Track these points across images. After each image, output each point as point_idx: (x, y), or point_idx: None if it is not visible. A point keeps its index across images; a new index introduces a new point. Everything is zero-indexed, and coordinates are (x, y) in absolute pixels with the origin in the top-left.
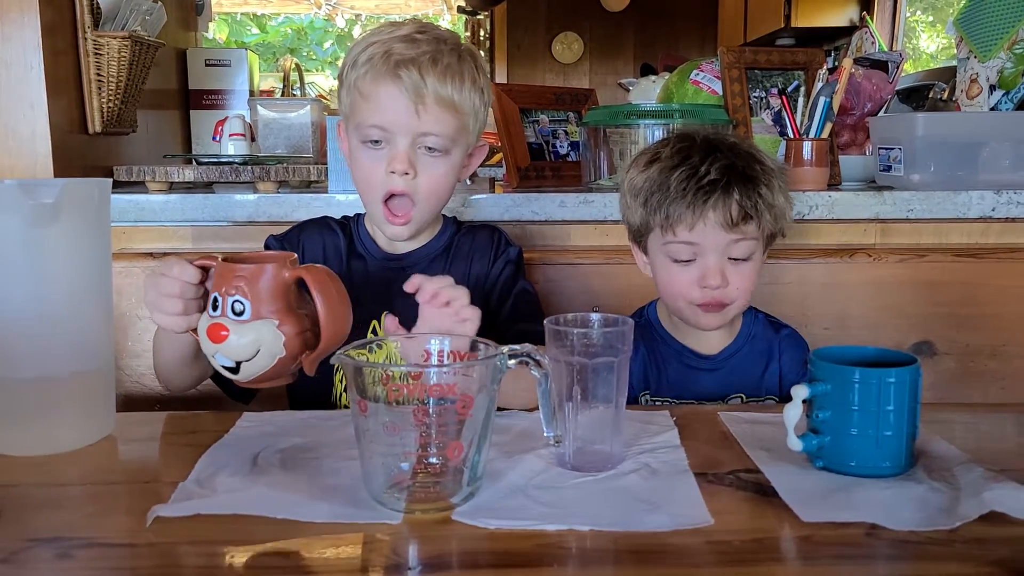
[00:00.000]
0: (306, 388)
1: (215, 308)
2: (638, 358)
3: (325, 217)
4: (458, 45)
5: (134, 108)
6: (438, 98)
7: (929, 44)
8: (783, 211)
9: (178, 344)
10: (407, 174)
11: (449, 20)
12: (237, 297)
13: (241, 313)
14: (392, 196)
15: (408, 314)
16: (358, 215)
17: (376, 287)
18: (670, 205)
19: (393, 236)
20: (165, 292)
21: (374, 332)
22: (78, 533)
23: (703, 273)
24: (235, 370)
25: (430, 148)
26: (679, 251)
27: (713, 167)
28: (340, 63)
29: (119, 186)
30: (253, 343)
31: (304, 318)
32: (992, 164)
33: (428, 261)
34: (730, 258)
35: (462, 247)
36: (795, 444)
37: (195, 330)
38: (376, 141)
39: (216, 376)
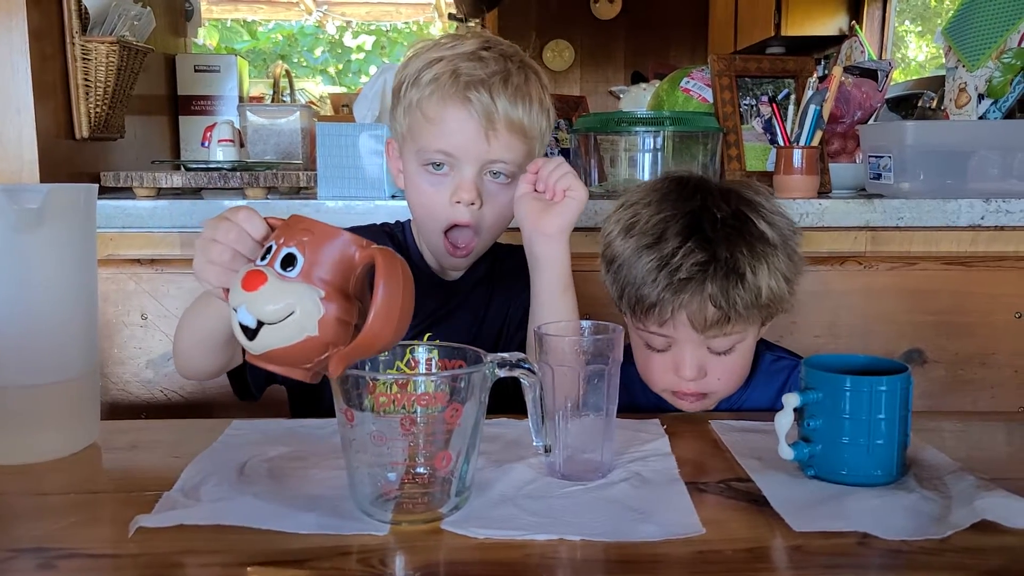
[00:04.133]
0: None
1: (263, 258)
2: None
3: (372, 225)
4: (524, 62)
5: (122, 113)
6: (508, 123)
7: (918, 53)
8: (779, 296)
9: (219, 317)
10: (473, 204)
11: (440, 27)
12: (293, 249)
13: (290, 268)
14: (454, 226)
15: (450, 335)
16: (401, 223)
17: (421, 305)
18: (638, 293)
19: (452, 267)
20: (220, 236)
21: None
22: (60, 543)
23: (677, 364)
24: (253, 333)
25: (496, 174)
26: (652, 339)
27: (687, 260)
28: (397, 79)
29: (106, 192)
30: (287, 306)
31: (355, 310)
32: (981, 173)
33: (473, 285)
34: (710, 350)
35: (503, 271)
36: (786, 453)
37: (227, 291)
38: (439, 165)
39: (233, 374)
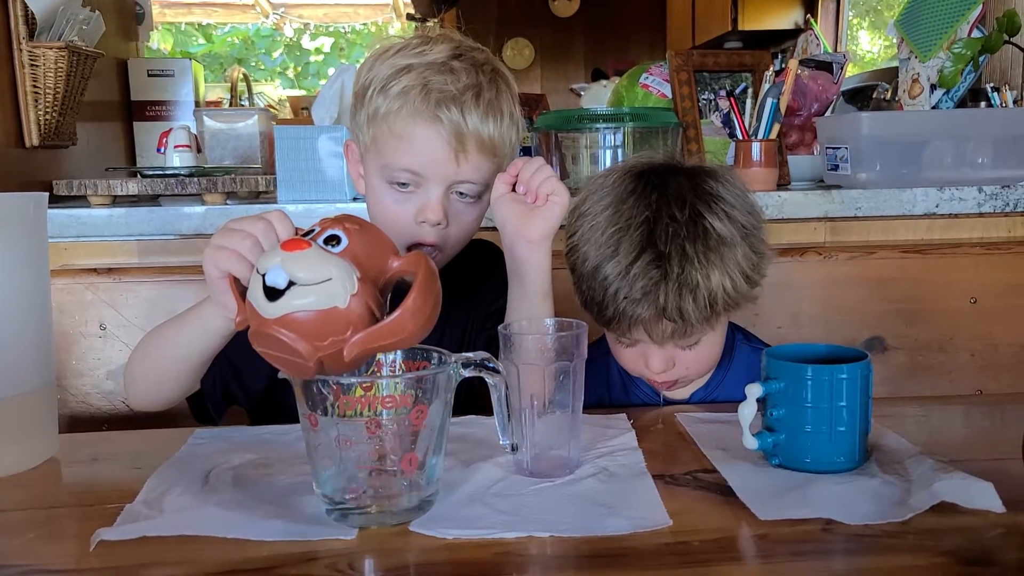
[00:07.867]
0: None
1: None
2: (593, 390)
3: None
4: (495, 72)
5: (73, 120)
6: (479, 142)
7: (872, 46)
8: (736, 295)
9: (202, 331)
10: (439, 224)
11: (398, 28)
12: (339, 231)
13: (333, 245)
14: (418, 244)
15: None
16: None
17: None
18: (596, 306)
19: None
20: (245, 227)
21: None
22: (18, 560)
23: (647, 359)
24: (279, 295)
25: (463, 194)
26: (619, 338)
27: (638, 281)
28: (357, 80)
29: (59, 201)
30: (326, 271)
31: (382, 308)
32: (935, 162)
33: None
34: (676, 345)
35: (466, 271)
36: (751, 442)
37: (235, 281)
38: (404, 184)
39: (191, 397)
